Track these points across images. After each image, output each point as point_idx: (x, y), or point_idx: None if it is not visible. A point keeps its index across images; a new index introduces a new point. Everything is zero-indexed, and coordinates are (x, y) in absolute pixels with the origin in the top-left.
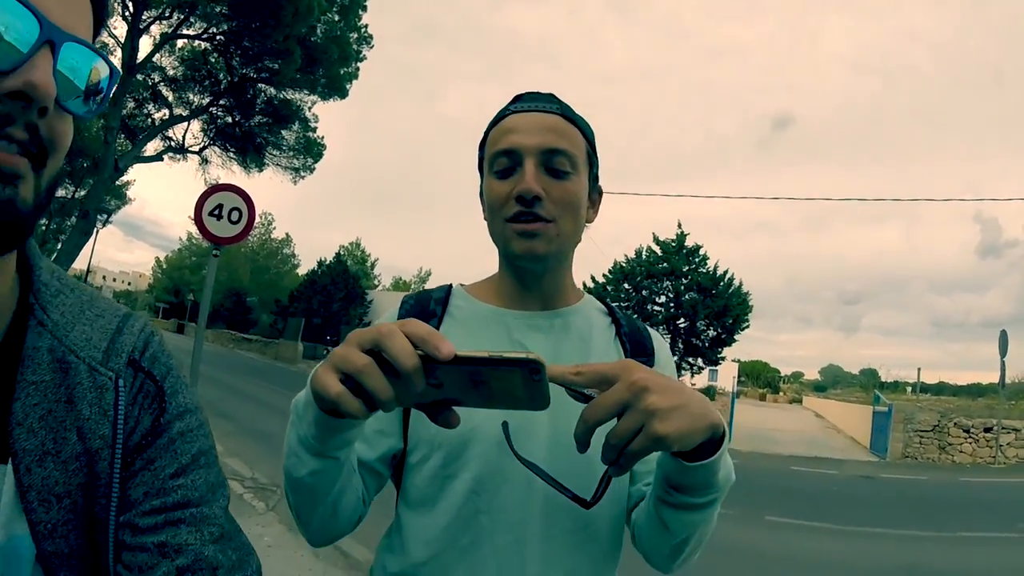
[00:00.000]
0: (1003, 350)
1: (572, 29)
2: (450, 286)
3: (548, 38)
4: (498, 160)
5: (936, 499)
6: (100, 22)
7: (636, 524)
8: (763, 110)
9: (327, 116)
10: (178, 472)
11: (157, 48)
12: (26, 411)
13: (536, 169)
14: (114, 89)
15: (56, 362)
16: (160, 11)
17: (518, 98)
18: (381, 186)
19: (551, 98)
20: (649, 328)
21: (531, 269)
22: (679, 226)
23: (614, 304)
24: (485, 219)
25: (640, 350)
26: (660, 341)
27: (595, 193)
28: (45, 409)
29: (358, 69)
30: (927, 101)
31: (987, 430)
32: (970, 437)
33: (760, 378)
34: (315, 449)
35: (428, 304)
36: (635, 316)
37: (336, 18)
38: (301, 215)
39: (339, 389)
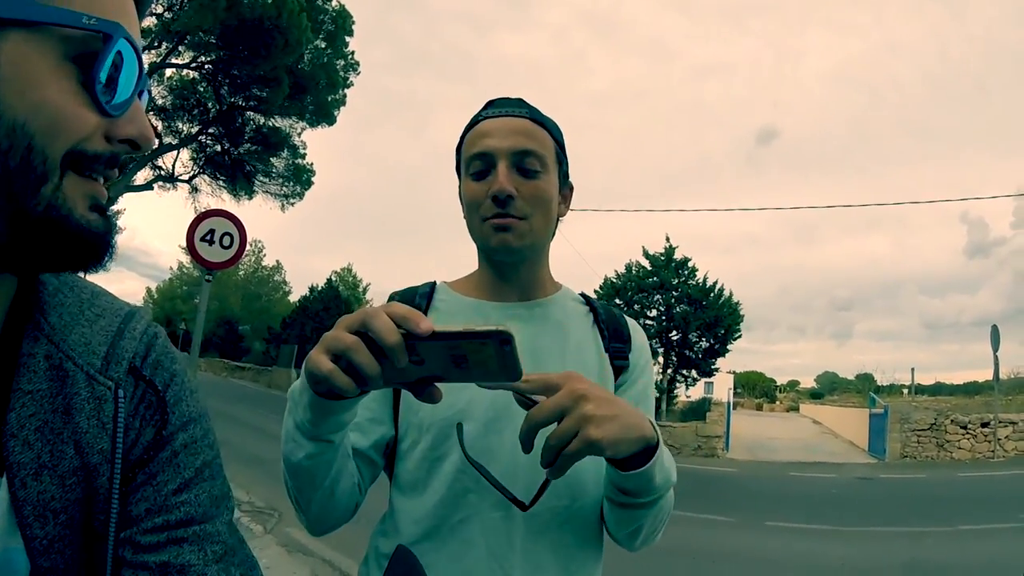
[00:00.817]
0: (995, 345)
1: (558, 54)
2: (434, 283)
3: (535, 63)
4: (473, 163)
5: (935, 495)
6: None
7: (603, 510)
8: (749, 126)
9: (316, 143)
10: (181, 487)
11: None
12: (21, 422)
13: (508, 170)
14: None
15: (53, 369)
16: (149, 40)
17: (490, 104)
18: (372, 211)
19: (520, 103)
20: (626, 316)
21: (508, 262)
22: (667, 239)
23: None
24: (464, 218)
25: (617, 336)
26: (637, 328)
27: (566, 188)
28: (41, 420)
29: (345, 96)
30: (909, 110)
31: (984, 425)
32: (968, 433)
33: (756, 388)
34: (311, 433)
35: (413, 299)
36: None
37: (323, 45)
38: (291, 242)
39: (331, 367)
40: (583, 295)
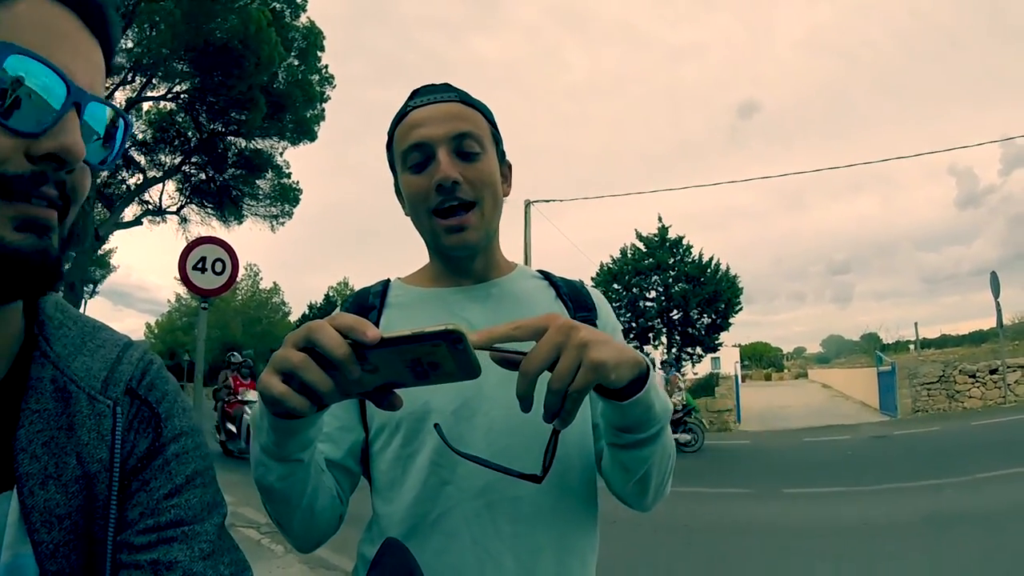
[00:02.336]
0: (996, 292)
1: (533, 51)
2: (388, 280)
3: (510, 64)
4: (410, 155)
5: (950, 447)
6: (109, 70)
7: (605, 472)
8: (730, 102)
9: (300, 161)
10: (172, 492)
11: None
12: (30, 438)
13: (449, 156)
14: (126, 138)
15: (58, 391)
16: (123, 76)
17: (416, 93)
18: (362, 223)
19: (448, 87)
20: (587, 286)
21: (464, 256)
22: (660, 220)
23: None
24: (407, 215)
25: (582, 306)
26: (600, 297)
27: (505, 168)
28: (48, 436)
29: (324, 110)
30: (886, 70)
31: (992, 372)
32: (977, 381)
33: (763, 359)
34: (277, 455)
35: (367, 299)
36: (623, 310)
37: (296, 62)
38: (286, 262)
39: (282, 388)
40: (541, 271)
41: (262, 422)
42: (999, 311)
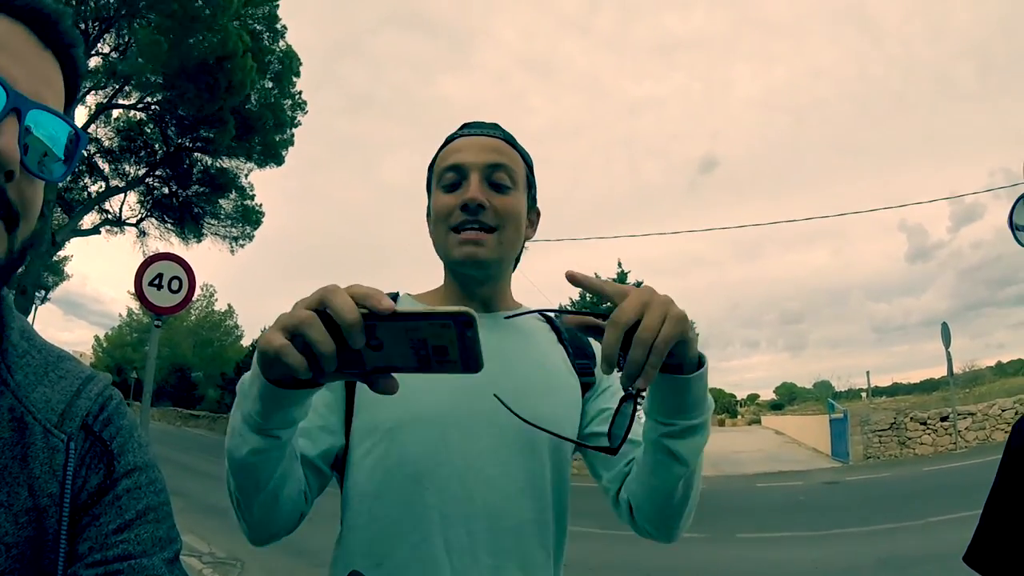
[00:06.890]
0: (947, 341)
1: (499, 95)
2: (397, 293)
3: (478, 105)
4: (446, 175)
5: (902, 492)
6: (74, 89)
7: (633, 496)
8: (689, 156)
9: (265, 186)
10: (121, 527)
11: (92, 118)
12: None
13: (480, 182)
14: (78, 153)
15: (15, 421)
16: (96, 81)
17: (465, 126)
18: (322, 253)
19: (495, 126)
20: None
21: (474, 276)
22: (619, 265)
23: None
24: (430, 233)
25: (581, 353)
26: (597, 345)
27: (533, 213)
28: (1, 465)
29: (293, 136)
30: (839, 130)
31: (943, 419)
32: (928, 429)
33: (717, 404)
34: (258, 426)
35: None
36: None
37: (270, 85)
38: (242, 285)
39: (283, 342)
40: (542, 315)
41: (251, 389)
42: (950, 360)
